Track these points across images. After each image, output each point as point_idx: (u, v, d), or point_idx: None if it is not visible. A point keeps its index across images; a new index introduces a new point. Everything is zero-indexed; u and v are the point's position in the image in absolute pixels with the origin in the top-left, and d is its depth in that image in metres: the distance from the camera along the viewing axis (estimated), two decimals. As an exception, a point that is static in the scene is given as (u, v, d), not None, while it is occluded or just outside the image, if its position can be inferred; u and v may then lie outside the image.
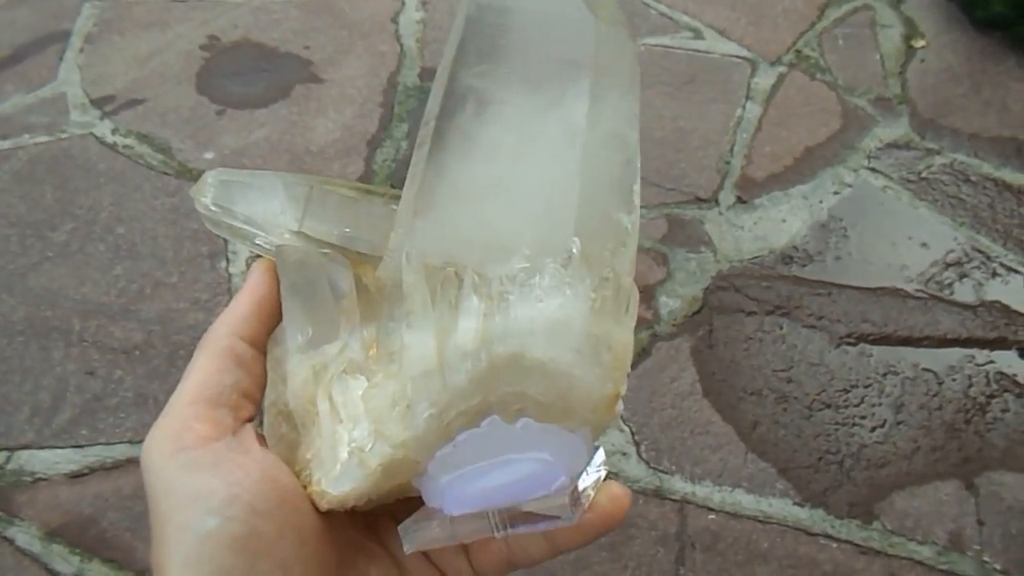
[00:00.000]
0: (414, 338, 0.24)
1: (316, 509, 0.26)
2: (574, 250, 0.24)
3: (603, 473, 0.26)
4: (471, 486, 0.24)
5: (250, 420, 0.27)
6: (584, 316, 0.24)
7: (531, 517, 0.24)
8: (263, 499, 0.24)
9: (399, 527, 0.25)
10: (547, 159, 0.26)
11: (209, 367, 0.27)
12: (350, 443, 0.25)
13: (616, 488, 0.26)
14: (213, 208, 0.29)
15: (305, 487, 0.26)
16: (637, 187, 0.27)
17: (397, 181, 0.92)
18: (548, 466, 0.24)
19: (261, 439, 0.27)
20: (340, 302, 0.27)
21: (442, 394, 0.24)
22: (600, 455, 0.26)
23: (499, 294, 0.24)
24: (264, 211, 0.29)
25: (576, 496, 0.24)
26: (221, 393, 0.26)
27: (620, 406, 0.25)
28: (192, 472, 0.24)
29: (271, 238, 0.29)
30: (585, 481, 0.25)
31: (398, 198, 0.29)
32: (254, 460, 0.25)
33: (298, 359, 0.27)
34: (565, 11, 0.30)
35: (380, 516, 0.28)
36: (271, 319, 0.28)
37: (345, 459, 0.25)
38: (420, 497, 0.25)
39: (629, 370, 0.25)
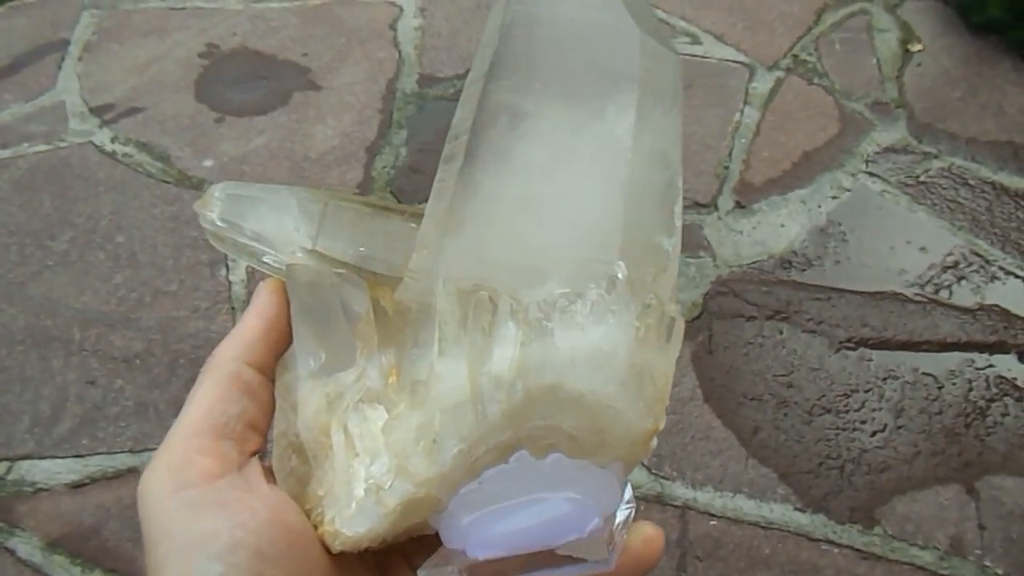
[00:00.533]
0: (445, 367, 0.22)
1: (327, 551, 0.24)
2: (619, 275, 0.23)
3: (632, 511, 0.24)
4: (496, 527, 0.22)
5: (256, 453, 0.26)
6: (629, 346, 0.22)
7: (560, 560, 0.22)
8: (270, 543, 0.22)
9: (418, 571, 0.24)
10: (588, 177, 0.25)
11: (213, 395, 0.25)
12: (367, 479, 0.23)
13: (650, 529, 0.25)
14: (220, 223, 0.27)
15: (316, 527, 0.24)
16: (679, 209, 0.25)
17: (396, 188, 0.93)
18: (580, 506, 0.22)
19: (268, 473, 0.25)
20: (355, 325, 0.25)
21: (474, 428, 0.22)
22: (628, 491, 0.24)
23: (537, 320, 0.22)
24: (275, 228, 0.27)
25: (610, 538, 0.23)
26: (226, 424, 0.25)
27: (655, 441, 0.24)
28: (194, 512, 0.22)
29: (281, 256, 0.27)
30: (616, 521, 0.23)
31: (417, 216, 0.27)
32: (261, 499, 0.23)
33: (310, 386, 0.25)
34: (607, 20, 0.28)
35: (391, 556, 0.27)
36: (280, 343, 0.27)
37: (361, 497, 0.23)
38: (434, 535, 0.24)
39: (667, 403, 0.24)
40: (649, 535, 0.24)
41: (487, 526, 0.22)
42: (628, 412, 0.22)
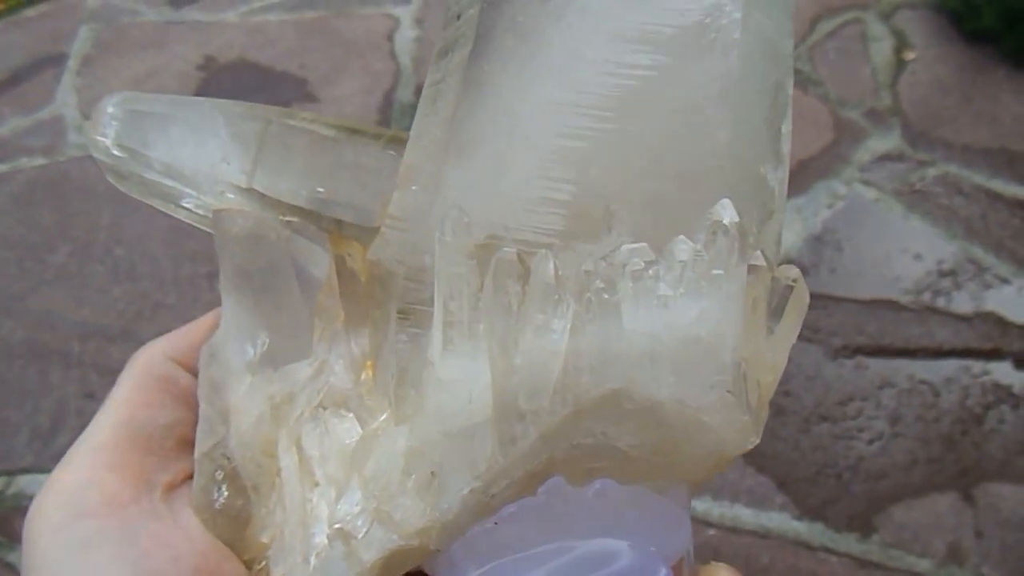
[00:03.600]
0: (452, 367, 0.15)
1: None
2: (726, 220, 0.15)
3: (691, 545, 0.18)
4: None
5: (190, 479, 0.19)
6: (737, 332, 0.15)
7: None
8: None
9: None
10: (667, 71, 0.16)
11: (136, 398, 0.19)
12: (332, 522, 0.16)
13: (725, 574, 0.19)
14: (117, 152, 0.20)
15: None
16: (787, 128, 0.18)
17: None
18: (641, 554, 0.16)
19: None
20: (312, 297, 0.19)
21: (496, 460, 0.15)
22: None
23: (595, 292, 0.15)
24: (195, 157, 0.20)
25: None
26: (151, 436, 0.18)
27: None
28: (87, 554, 0.16)
29: (205, 199, 0.20)
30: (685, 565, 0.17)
31: (397, 141, 0.20)
32: (186, 535, 0.17)
33: (249, 385, 0.18)
34: None
35: None
36: None
37: (324, 548, 0.16)
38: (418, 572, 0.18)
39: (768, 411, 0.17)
40: None
41: None
42: (723, 428, 0.15)
